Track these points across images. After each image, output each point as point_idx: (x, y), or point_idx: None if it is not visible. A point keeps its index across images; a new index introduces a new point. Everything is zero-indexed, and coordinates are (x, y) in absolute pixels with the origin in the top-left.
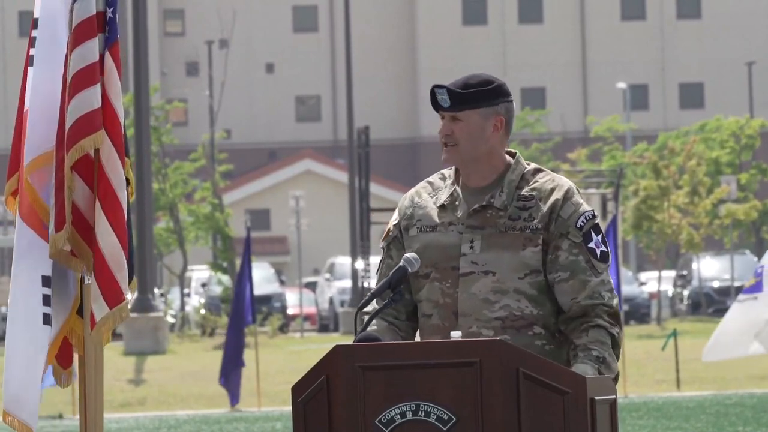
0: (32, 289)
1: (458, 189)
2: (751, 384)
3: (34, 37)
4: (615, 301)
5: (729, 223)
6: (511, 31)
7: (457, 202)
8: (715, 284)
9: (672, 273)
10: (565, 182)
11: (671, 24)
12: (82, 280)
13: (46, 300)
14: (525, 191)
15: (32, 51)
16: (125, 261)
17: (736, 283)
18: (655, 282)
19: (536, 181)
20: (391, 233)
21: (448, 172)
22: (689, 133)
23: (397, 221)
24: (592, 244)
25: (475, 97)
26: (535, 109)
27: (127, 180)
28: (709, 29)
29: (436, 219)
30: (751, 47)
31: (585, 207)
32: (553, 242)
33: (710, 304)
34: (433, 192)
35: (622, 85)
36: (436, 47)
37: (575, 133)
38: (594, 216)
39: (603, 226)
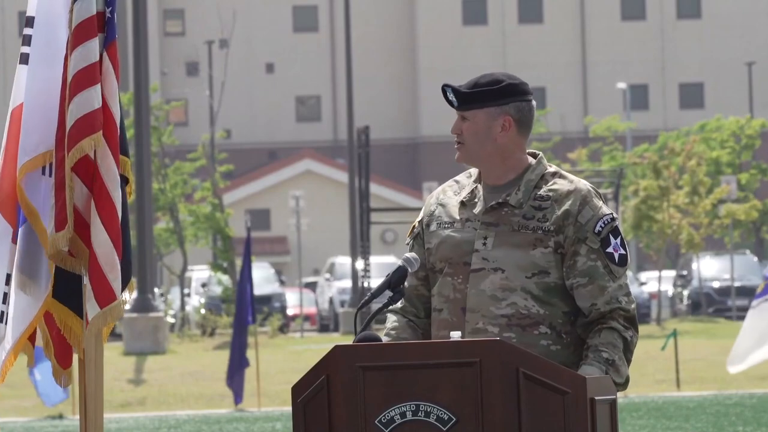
0: None
1: (479, 187)
2: (751, 384)
3: (29, 36)
4: (632, 306)
5: (729, 222)
6: (511, 31)
7: (476, 199)
8: (715, 284)
9: (672, 273)
10: (583, 185)
11: (671, 24)
12: (55, 276)
13: (5, 298)
14: (542, 191)
15: (26, 49)
16: (118, 261)
17: (736, 283)
18: (655, 282)
19: (555, 183)
20: (415, 230)
21: (475, 170)
22: (690, 133)
23: (421, 218)
24: (610, 249)
25: (481, 96)
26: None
27: (127, 179)
28: (709, 29)
29: (456, 215)
30: (751, 47)
31: (604, 210)
32: (571, 247)
33: (710, 304)
34: (458, 189)
35: (622, 85)
36: (436, 47)
37: (575, 133)
38: (613, 219)
39: None
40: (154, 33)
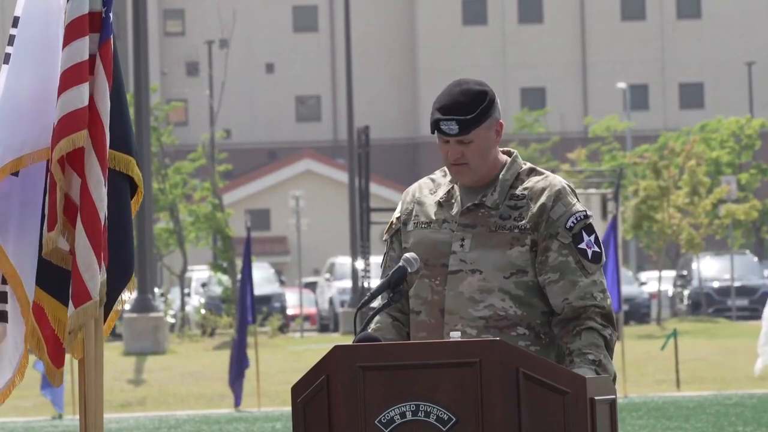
0: None
1: (456, 187)
2: (751, 384)
3: (14, 36)
4: (608, 302)
5: (729, 222)
6: (511, 31)
7: (453, 200)
8: (715, 284)
9: (672, 273)
10: (558, 182)
11: (671, 24)
12: (48, 272)
13: (4, 297)
14: (518, 191)
15: (10, 49)
16: (95, 260)
17: (736, 283)
18: (655, 282)
19: (529, 180)
20: (393, 226)
21: None
22: (690, 133)
23: (398, 215)
24: (582, 245)
25: (482, 116)
26: (534, 109)
27: (135, 181)
28: (709, 29)
29: (433, 216)
30: (751, 47)
31: (577, 207)
32: (543, 243)
33: (710, 304)
34: (434, 188)
35: (622, 85)
36: (436, 47)
37: (575, 133)
38: (586, 216)
39: (603, 227)
40: (154, 33)
